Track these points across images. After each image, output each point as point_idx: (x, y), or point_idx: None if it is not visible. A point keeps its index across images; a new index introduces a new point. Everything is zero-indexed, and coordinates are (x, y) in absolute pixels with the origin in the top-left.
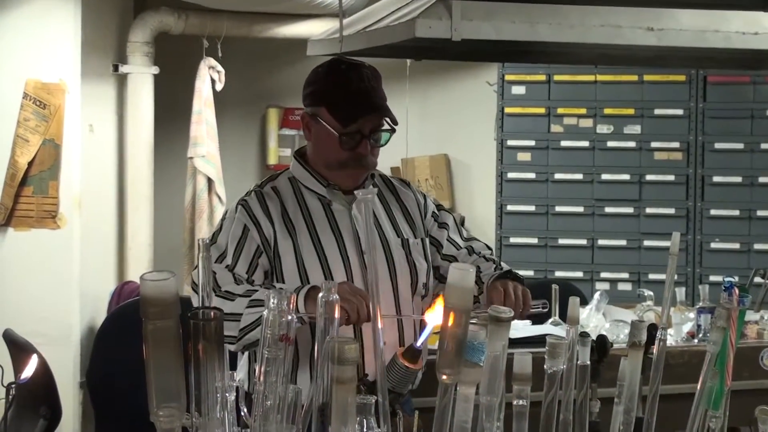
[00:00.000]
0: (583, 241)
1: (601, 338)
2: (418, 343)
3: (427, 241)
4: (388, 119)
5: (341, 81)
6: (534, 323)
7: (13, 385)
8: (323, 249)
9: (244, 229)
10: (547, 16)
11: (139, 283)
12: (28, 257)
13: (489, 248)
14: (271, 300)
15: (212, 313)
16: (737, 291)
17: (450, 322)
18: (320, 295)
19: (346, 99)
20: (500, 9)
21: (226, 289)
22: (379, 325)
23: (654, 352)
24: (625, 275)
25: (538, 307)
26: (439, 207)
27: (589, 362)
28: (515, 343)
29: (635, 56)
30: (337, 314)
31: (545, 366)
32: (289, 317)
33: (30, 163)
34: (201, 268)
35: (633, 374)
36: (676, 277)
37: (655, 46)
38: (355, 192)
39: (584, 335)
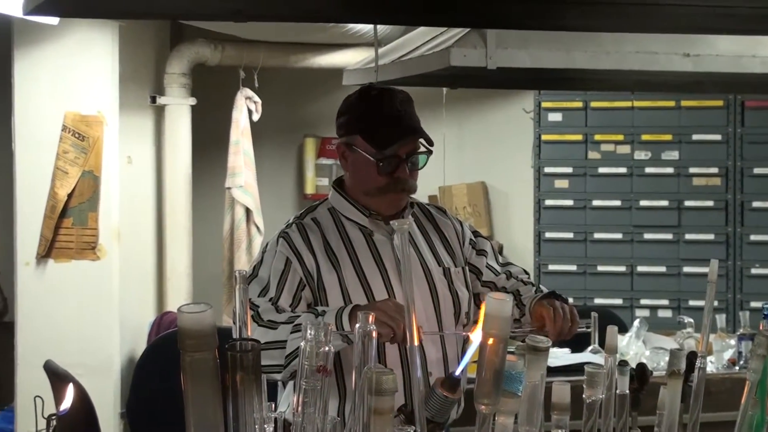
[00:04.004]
0: (622, 268)
1: (641, 366)
2: (457, 372)
3: (467, 269)
4: (424, 141)
5: (374, 107)
6: (573, 351)
7: (53, 417)
8: (367, 280)
9: (287, 262)
10: (582, 43)
11: (177, 314)
12: (68, 288)
13: (526, 273)
14: (308, 331)
15: (249, 344)
16: None
17: (487, 352)
18: (357, 325)
19: (380, 124)
20: (535, 37)
21: (268, 318)
22: (417, 359)
23: (693, 380)
24: (665, 302)
25: (583, 326)
26: (475, 234)
27: (628, 391)
28: (554, 371)
29: (671, 82)
30: (374, 343)
31: (584, 395)
32: (326, 348)
33: (69, 195)
34: (237, 300)
35: (672, 403)
36: (716, 303)
37: (691, 71)
38: (391, 223)
39: (623, 364)
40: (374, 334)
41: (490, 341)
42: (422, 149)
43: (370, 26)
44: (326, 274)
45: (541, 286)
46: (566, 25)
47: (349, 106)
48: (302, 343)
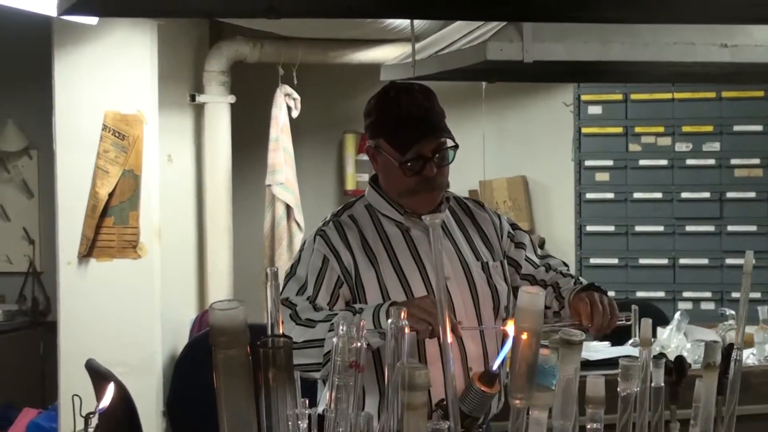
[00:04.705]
0: (664, 261)
1: (680, 359)
2: (494, 367)
3: (506, 262)
4: (447, 137)
5: (392, 108)
6: (613, 344)
7: (91, 415)
8: (406, 277)
9: (324, 259)
10: (619, 35)
11: (209, 312)
12: (110, 287)
13: (565, 264)
14: (341, 327)
15: (281, 341)
16: None
17: (521, 346)
18: (389, 321)
19: (401, 126)
20: (572, 29)
21: (306, 317)
22: (450, 355)
23: (730, 373)
24: (708, 294)
25: (622, 319)
26: (513, 226)
27: (663, 384)
28: (594, 365)
29: (710, 73)
30: (410, 339)
31: (618, 389)
32: (359, 344)
33: (110, 194)
34: (269, 297)
35: (708, 396)
36: (759, 295)
37: (730, 62)
38: (423, 218)
39: (658, 357)
40: (407, 329)
41: (524, 335)
42: (449, 144)
43: (408, 21)
44: (364, 270)
45: (580, 278)
46: (602, 17)
47: (370, 109)
48: (335, 339)
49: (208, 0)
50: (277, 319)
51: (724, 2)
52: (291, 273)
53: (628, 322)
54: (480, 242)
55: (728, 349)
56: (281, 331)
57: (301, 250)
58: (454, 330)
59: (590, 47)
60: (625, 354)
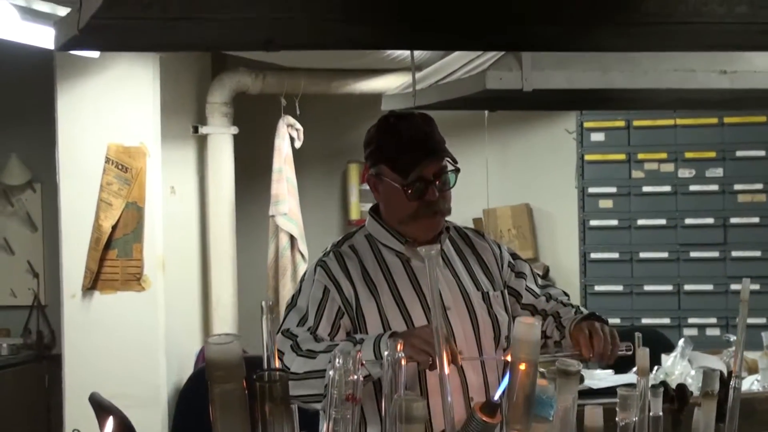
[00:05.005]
0: (669, 287)
1: (681, 387)
2: (496, 396)
3: (506, 292)
4: (449, 160)
5: (393, 134)
6: (617, 372)
7: None
8: (406, 307)
9: (325, 290)
10: (619, 63)
11: (205, 346)
12: (114, 320)
13: (566, 294)
14: (337, 360)
15: (278, 375)
16: None
17: (518, 376)
18: (385, 353)
19: (402, 150)
20: (571, 58)
21: (307, 348)
22: (448, 385)
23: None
24: (713, 320)
25: (623, 349)
26: (514, 256)
27: (661, 413)
28: (596, 393)
29: (711, 99)
30: (407, 370)
31: (617, 418)
32: (355, 377)
33: (114, 227)
34: (265, 330)
35: (707, 424)
36: (764, 320)
37: (729, 88)
38: (418, 249)
39: (657, 386)
40: (404, 361)
41: (521, 366)
42: (450, 168)
43: (409, 51)
44: (365, 301)
45: (581, 307)
46: (600, 46)
47: (371, 137)
48: (331, 372)
49: (206, 34)
50: (273, 351)
51: (721, 29)
52: (292, 304)
53: (629, 352)
54: (480, 272)
55: (728, 377)
56: (277, 364)
57: (301, 281)
58: (454, 360)
59: (590, 75)
60: (628, 382)
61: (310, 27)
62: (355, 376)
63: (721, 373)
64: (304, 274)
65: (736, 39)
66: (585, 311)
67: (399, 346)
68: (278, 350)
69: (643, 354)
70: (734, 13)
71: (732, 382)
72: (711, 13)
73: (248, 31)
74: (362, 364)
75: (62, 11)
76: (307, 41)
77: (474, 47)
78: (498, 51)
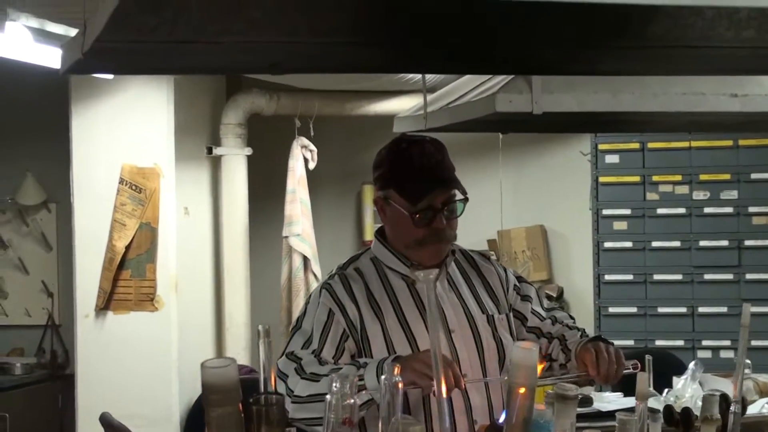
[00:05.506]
0: (683, 309)
1: (686, 411)
2: (501, 419)
3: (511, 315)
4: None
5: (404, 160)
6: (626, 395)
7: None
8: (411, 330)
9: (330, 313)
10: (629, 85)
11: (200, 370)
12: (127, 340)
13: (572, 317)
14: (334, 384)
15: (274, 398)
16: None
17: (516, 401)
18: (383, 378)
19: (412, 177)
20: (581, 80)
21: (311, 371)
22: (445, 407)
23: (728, 424)
24: (727, 342)
25: (629, 368)
26: (519, 279)
27: None
28: (605, 416)
29: (723, 122)
30: (401, 394)
31: None
32: (352, 401)
33: (127, 247)
34: (262, 354)
35: None
36: None
37: (741, 111)
38: (415, 274)
39: (654, 411)
40: (400, 384)
41: (520, 390)
42: (458, 197)
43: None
44: (369, 323)
45: (586, 330)
46: (610, 70)
47: (382, 160)
48: (328, 396)
49: (211, 58)
50: (270, 375)
51: (726, 54)
52: (297, 326)
53: (636, 370)
54: (486, 295)
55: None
56: (280, 387)
57: (306, 303)
58: (457, 383)
59: (600, 98)
60: None
61: (316, 51)
62: (353, 400)
63: (726, 396)
64: (310, 296)
65: (744, 63)
66: (590, 335)
67: (396, 370)
68: (283, 373)
69: (642, 378)
70: (741, 38)
71: (732, 407)
72: (718, 38)
73: (254, 55)
74: (365, 388)
75: (74, 33)
76: (313, 65)
77: (481, 71)
78: (503, 75)
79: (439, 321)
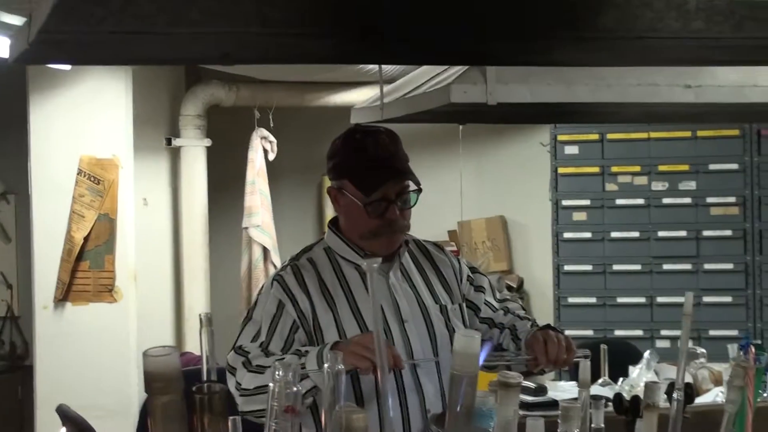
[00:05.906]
0: (642, 299)
1: (635, 398)
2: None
3: (464, 305)
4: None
5: (358, 151)
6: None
7: None
8: (363, 319)
9: (279, 305)
10: (583, 76)
11: (142, 359)
12: (86, 331)
13: (524, 308)
14: (277, 372)
15: (217, 387)
16: (753, 349)
17: (457, 389)
18: (326, 365)
19: (366, 168)
20: (535, 72)
21: (257, 363)
22: (387, 389)
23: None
24: None
25: (580, 356)
26: (473, 270)
27: (603, 425)
28: (544, 406)
29: (677, 113)
30: (343, 383)
31: (558, 430)
32: (295, 389)
33: (86, 238)
34: (204, 342)
35: None
36: (736, 332)
37: (694, 102)
38: (360, 262)
39: (597, 398)
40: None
41: (459, 379)
42: (412, 187)
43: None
44: (322, 313)
45: (536, 320)
46: (561, 61)
47: (336, 150)
48: (271, 384)
49: (161, 48)
50: (213, 365)
51: (677, 45)
52: (247, 318)
53: (586, 359)
54: (439, 285)
55: (687, 389)
56: (245, 379)
57: (259, 294)
58: (397, 363)
59: (554, 89)
60: (593, 394)
61: (267, 41)
62: (296, 388)
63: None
64: (262, 287)
65: (693, 54)
66: (540, 324)
67: (339, 357)
68: (231, 367)
69: (584, 367)
70: (690, 29)
71: (674, 395)
72: (667, 29)
73: (204, 46)
74: (308, 377)
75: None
76: (265, 55)
77: (434, 61)
78: (457, 65)
79: (414, 310)
